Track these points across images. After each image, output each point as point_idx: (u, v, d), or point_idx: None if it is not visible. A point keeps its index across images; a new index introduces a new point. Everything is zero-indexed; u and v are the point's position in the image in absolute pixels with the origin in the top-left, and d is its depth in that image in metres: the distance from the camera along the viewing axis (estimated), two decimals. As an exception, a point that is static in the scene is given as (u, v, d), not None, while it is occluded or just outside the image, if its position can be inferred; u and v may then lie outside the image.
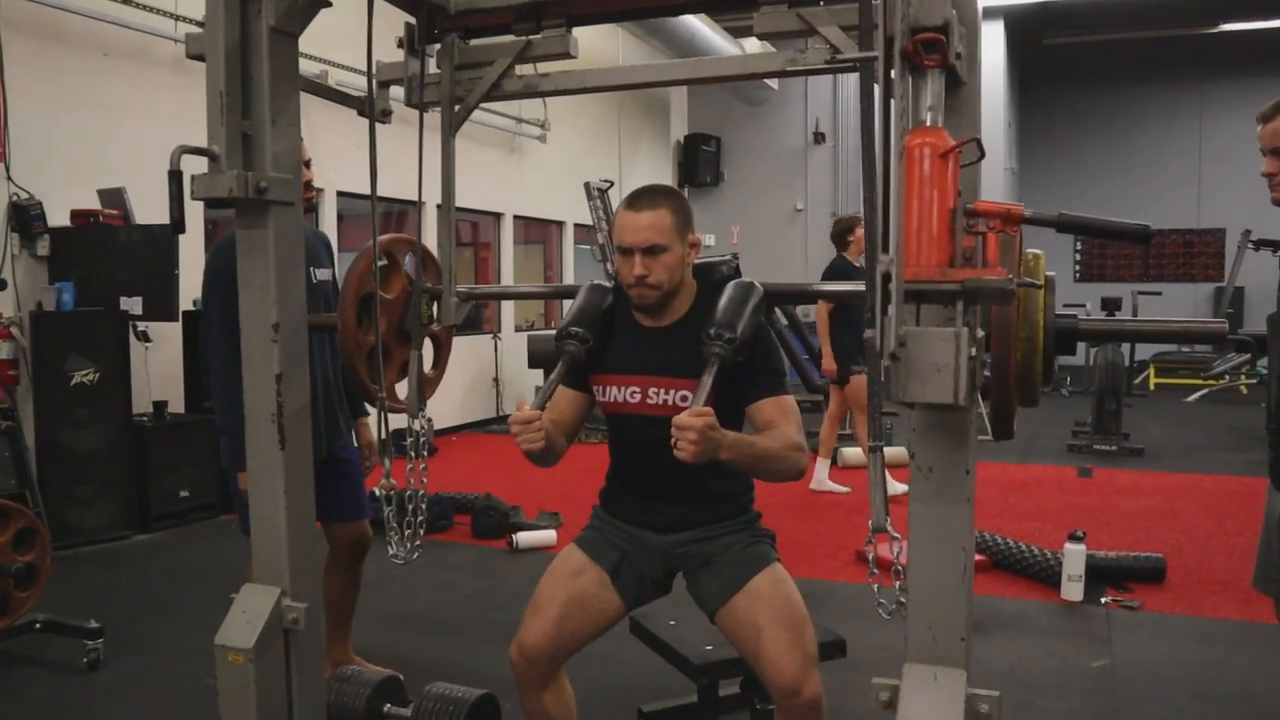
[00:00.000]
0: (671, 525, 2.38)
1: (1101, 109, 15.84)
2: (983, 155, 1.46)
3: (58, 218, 5.71)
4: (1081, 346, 7.19)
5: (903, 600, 2.08)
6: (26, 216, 5.58)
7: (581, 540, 2.47)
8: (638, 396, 2.34)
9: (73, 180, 5.83)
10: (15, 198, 5.57)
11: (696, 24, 10.74)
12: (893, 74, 1.54)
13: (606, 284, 2.46)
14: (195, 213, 2.25)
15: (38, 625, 3.72)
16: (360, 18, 2.14)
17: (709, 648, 2.87)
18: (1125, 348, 10.12)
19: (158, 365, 6.20)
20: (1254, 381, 11.30)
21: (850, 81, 14.32)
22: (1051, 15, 13.30)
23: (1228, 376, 11.97)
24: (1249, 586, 4.54)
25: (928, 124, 1.47)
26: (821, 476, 6.90)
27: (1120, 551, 4.91)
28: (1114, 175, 15.70)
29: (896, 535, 2.02)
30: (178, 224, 1.97)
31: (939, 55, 1.42)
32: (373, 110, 2.52)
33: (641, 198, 2.30)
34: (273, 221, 2.13)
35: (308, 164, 3.14)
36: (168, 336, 6.19)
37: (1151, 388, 13.23)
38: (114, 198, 5.84)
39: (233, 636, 2.14)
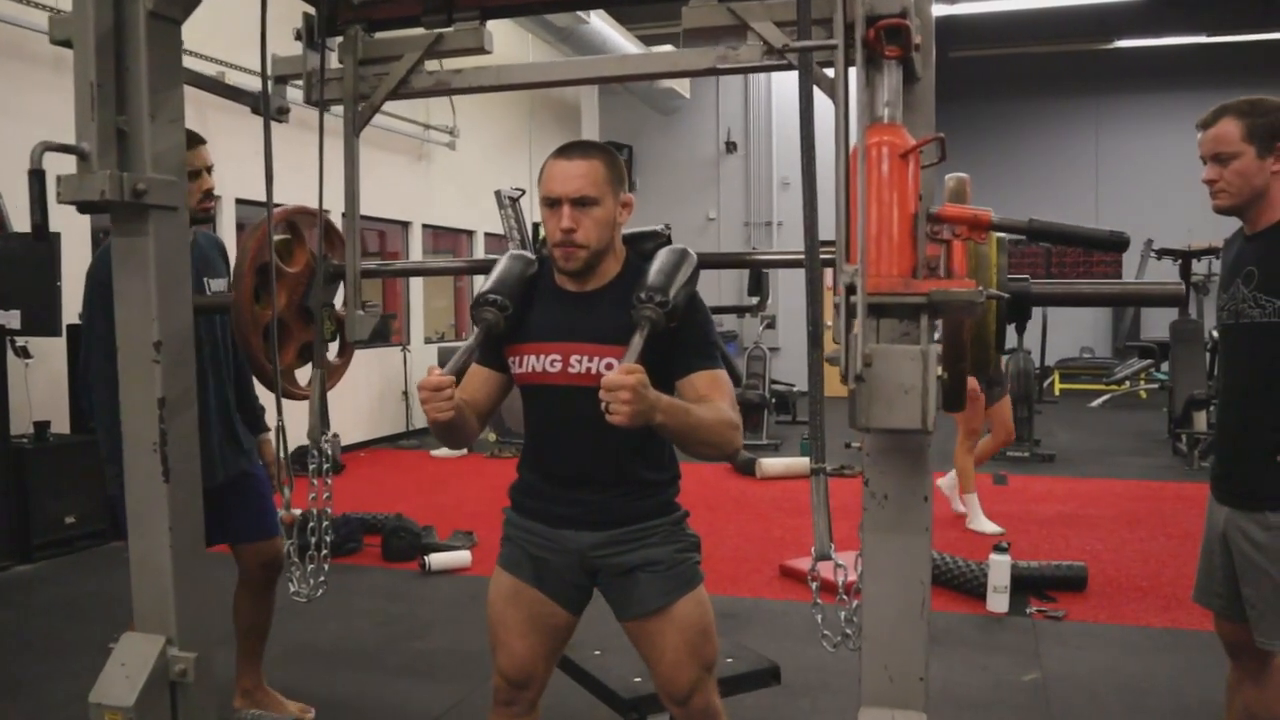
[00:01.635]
0: (591, 520, 2.15)
1: (1003, 121, 16.14)
2: (944, 156, 1.34)
3: (-74, 226, 5.30)
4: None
5: (849, 632, 1.96)
6: (-110, 224, 5.17)
7: (501, 559, 2.27)
8: (558, 365, 2.12)
9: (-58, 185, 5.42)
10: (-123, 204, 5.15)
11: (609, 31, 10.62)
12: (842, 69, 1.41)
13: (529, 253, 2.27)
14: (79, 219, 2.03)
15: (-103, 673, 3.38)
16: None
17: (637, 680, 2.71)
18: (1036, 354, 10.27)
19: (39, 383, 5.80)
20: (1154, 387, 11.60)
21: (762, 91, 14.40)
22: (957, 29, 13.52)
23: (1129, 382, 12.27)
24: (1168, 593, 4.64)
25: (885, 120, 1.33)
26: (976, 512, 6.01)
27: (1042, 560, 4.91)
28: (1014, 186, 15.98)
29: (841, 562, 1.92)
30: (39, 230, 1.75)
31: (900, 45, 1.30)
32: (267, 108, 2.32)
33: (573, 148, 2.11)
34: (153, 228, 1.91)
35: (209, 170, 2.91)
36: (50, 352, 5.79)
37: (1057, 393, 13.50)
38: (-12, 204, 5.45)
39: (110, 693, 1.90)
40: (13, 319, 5.38)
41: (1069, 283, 2.04)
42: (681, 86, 13.06)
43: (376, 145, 9.19)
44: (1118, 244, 1.36)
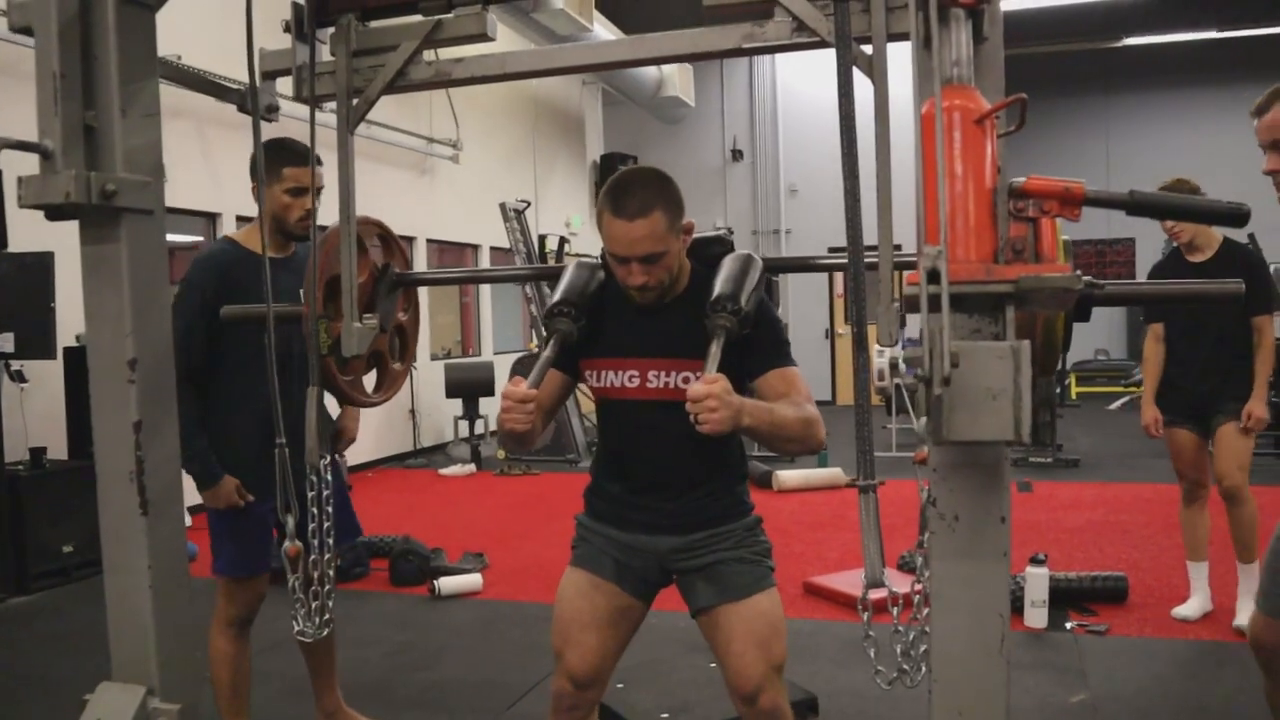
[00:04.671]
0: (668, 525, 2.22)
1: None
2: (1022, 123, 1.15)
3: (-88, 247, 5.12)
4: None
5: (905, 668, 1.77)
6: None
7: (576, 559, 2.31)
8: (636, 380, 2.18)
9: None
10: None
11: (611, 40, 10.46)
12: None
13: (594, 260, 2.28)
14: (75, 237, 1.86)
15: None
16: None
17: (664, 716, 2.52)
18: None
19: (36, 408, 5.63)
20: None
21: (768, 96, 14.24)
22: (963, 29, 13.34)
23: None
24: (1215, 604, 4.40)
25: (955, 81, 1.15)
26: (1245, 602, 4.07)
27: (1078, 571, 4.69)
28: (1027, 187, 15.84)
29: (897, 590, 1.75)
30: (-5, 238, 1.56)
31: (974, -8, 1.10)
32: (255, 105, 2.14)
33: (629, 202, 2.02)
34: (125, 234, 1.73)
35: (319, 192, 2.68)
36: (46, 376, 5.63)
37: (1074, 397, 13.27)
38: (-22, 224, 5.28)
39: (86, 751, 1.72)
40: (6, 342, 5.23)
41: (1132, 283, 1.88)
42: (686, 94, 12.90)
43: (379, 159, 9.04)
44: (1236, 216, 1.17)
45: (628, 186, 2.05)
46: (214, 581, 2.90)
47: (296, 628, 2.13)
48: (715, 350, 1.93)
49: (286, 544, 2.00)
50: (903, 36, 1.73)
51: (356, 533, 3.14)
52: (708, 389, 1.81)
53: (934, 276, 1.00)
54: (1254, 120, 2.18)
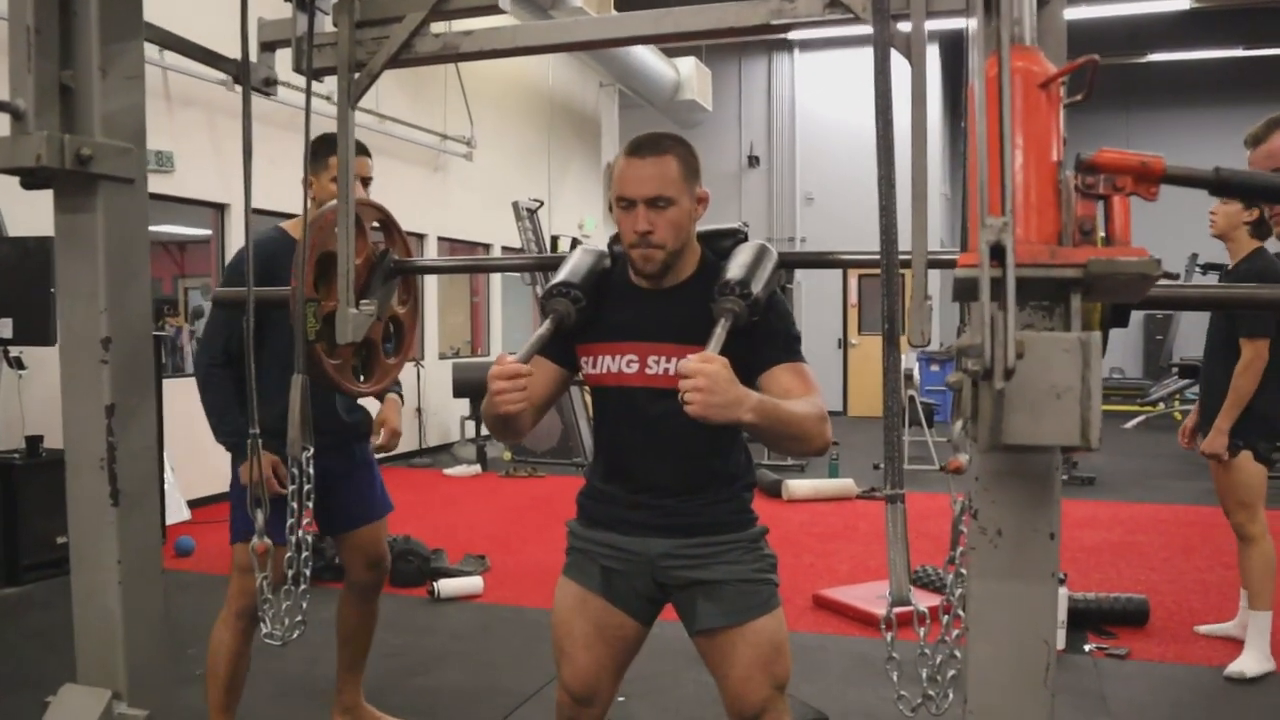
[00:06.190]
0: (664, 526, 2.05)
1: (1032, 136, 15.88)
2: (1089, 92, 1.02)
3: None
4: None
5: (931, 694, 1.64)
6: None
7: (567, 569, 2.17)
8: (635, 366, 2.03)
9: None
10: None
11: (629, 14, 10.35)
12: None
13: (601, 249, 2.15)
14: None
15: None
16: None
17: (668, 732, 2.39)
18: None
19: (34, 395, 5.52)
20: (1188, 408, 11.19)
21: (785, 103, 14.11)
22: (984, 40, 13.22)
23: (1163, 403, 11.87)
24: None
25: (1017, 42, 1.02)
26: (1250, 652, 3.80)
27: (1097, 593, 4.54)
28: (1045, 202, 15.69)
29: (921, 608, 1.62)
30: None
31: (1042, -64, 0.97)
32: (247, 78, 2.03)
33: (644, 144, 1.98)
34: (103, 203, 1.61)
35: (365, 183, 2.78)
36: (45, 363, 5.51)
37: (1088, 414, 13.09)
38: (-23, 207, 5.19)
39: (45, 759, 1.59)
40: (5, 328, 5.13)
41: (1178, 285, 1.74)
42: (703, 98, 12.78)
43: (391, 155, 8.94)
44: (1337, 200, 1.04)
45: (647, 137, 2.01)
46: (222, 579, 2.80)
47: (264, 630, 2.00)
48: (720, 332, 1.81)
49: (254, 541, 1.88)
50: (944, 13, 1.61)
51: (388, 507, 3.13)
52: (699, 366, 1.66)
53: (997, 253, 0.87)
54: (1248, 150, 2.12)
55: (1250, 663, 3.70)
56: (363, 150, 2.69)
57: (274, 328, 2.67)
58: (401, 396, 3.10)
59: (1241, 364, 3.72)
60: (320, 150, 2.82)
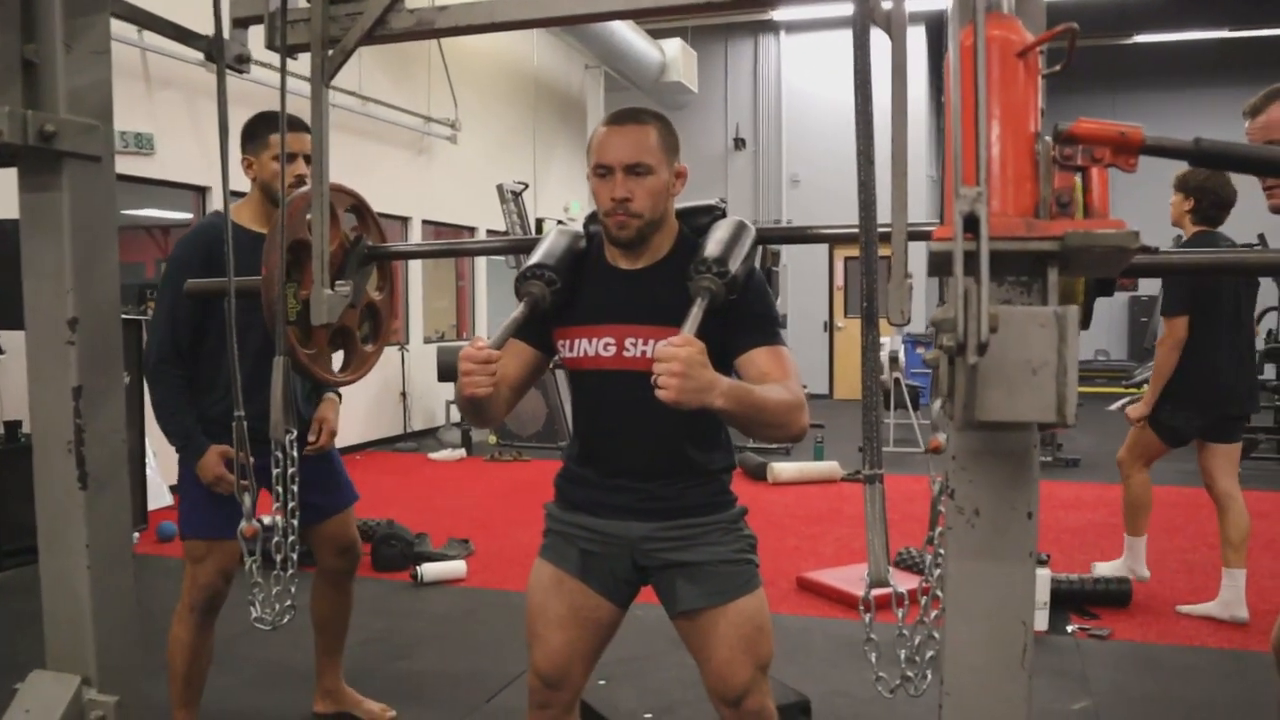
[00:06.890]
0: (644, 509, 2.03)
1: (1018, 118, 15.87)
2: (1069, 61, 1.00)
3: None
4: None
5: (909, 674, 1.63)
6: None
7: (543, 550, 2.18)
8: (612, 349, 2.00)
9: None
10: None
11: (615, 22, 10.29)
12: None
13: (578, 230, 2.13)
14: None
15: None
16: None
17: (648, 716, 2.38)
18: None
19: (10, 380, 5.47)
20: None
21: (772, 84, 14.07)
22: (971, 22, 13.18)
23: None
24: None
25: (992, 10, 1.00)
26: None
27: (1080, 574, 4.55)
28: (1031, 184, 15.69)
29: (900, 589, 1.62)
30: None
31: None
32: (221, 55, 1.99)
33: (625, 114, 1.99)
34: (68, 181, 1.58)
35: (307, 159, 2.66)
36: (24, 347, 5.46)
37: (1073, 396, 13.14)
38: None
39: (13, 746, 1.57)
40: (-19, 312, 5.06)
41: (1165, 252, 1.71)
42: (689, 80, 12.72)
43: (375, 137, 8.87)
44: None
45: (627, 108, 2.02)
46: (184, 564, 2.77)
47: (254, 614, 1.98)
48: (696, 312, 1.77)
49: (243, 524, 1.86)
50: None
51: (354, 496, 3.08)
52: (674, 351, 1.63)
53: (970, 225, 0.85)
54: (1246, 121, 2.12)
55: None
56: (301, 126, 2.64)
57: (223, 320, 2.62)
58: (339, 395, 3.01)
59: (1159, 340, 4.21)
60: (260, 129, 2.76)
